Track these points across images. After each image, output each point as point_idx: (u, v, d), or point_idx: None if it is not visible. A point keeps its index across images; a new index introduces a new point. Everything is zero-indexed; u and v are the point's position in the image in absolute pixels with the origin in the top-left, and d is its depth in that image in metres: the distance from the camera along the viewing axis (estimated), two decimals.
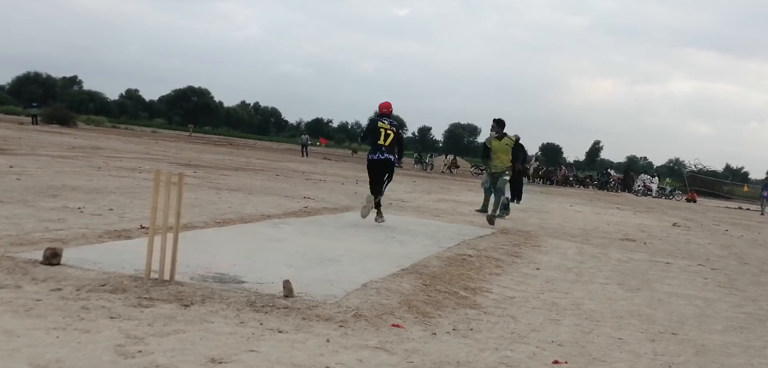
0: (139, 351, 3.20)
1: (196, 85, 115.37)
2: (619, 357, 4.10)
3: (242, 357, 3.28)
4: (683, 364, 4.14)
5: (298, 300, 4.35)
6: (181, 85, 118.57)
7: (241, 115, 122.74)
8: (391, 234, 8.40)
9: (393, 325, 4.12)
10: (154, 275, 4.47)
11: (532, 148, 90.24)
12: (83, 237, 5.95)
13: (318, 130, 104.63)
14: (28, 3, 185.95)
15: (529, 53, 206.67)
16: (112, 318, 3.68)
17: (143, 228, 6.63)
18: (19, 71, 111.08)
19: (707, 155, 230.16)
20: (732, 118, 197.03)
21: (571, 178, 47.63)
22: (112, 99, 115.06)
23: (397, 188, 14.60)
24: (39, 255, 4.71)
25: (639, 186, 45.71)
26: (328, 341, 3.67)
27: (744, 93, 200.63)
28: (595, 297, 5.90)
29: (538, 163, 50.90)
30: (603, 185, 46.85)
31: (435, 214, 12.07)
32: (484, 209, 13.16)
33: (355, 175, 24.95)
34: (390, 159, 9.20)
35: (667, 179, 60.26)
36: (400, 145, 9.41)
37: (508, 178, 11.67)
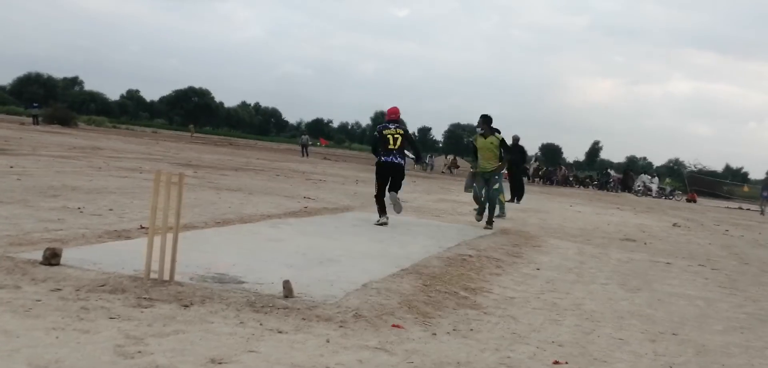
0: (139, 352, 3.19)
1: (196, 86, 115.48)
2: (619, 358, 4.09)
3: (242, 357, 3.28)
4: (684, 364, 4.14)
5: (298, 300, 4.34)
6: (182, 85, 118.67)
7: (241, 115, 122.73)
8: (391, 234, 8.39)
9: (393, 326, 4.12)
10: (153, 275, 4.46)
11: (532, 149, 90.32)
12: (83, 237, 5.94)
13: (318, 130, 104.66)
14: (29, 3, 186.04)
15: (529, 54, 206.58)
16: (111, 318, 3.68)
17: (143, 228, 6.62)
18: (21, 72, 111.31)
19: (707, 155, 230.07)
20: (732, 118, 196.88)
21: (571, 178, 47.63)
22: (112, 99, 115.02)
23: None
24: (39, 255, 4.71)
25: (639, 186, 45.71)
26: (328, 341, 3.67)
27: (743, 93, 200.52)
28: (595, 298, 5.90)
29: (537, 163, 50.95)
30: (603, 185, 46.85)
31: (435, 215, 12.07)
32: (480, 215, 13.12)
33: (355, 175, 24.95)
34: (399, 163, 9.58)
35: (667, 179, 60.31)
36: (413, 145, 10.21)
37: (498, 181, 10.53)
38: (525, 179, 25.79)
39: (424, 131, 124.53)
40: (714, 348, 4.58)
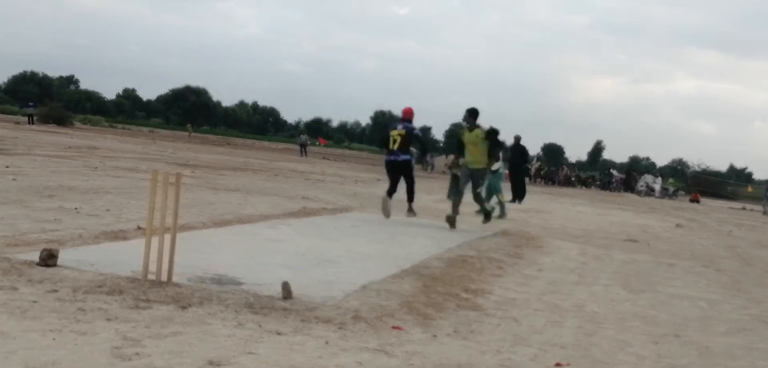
0: (136, 354, 3.16)
1: (194, 85, 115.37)
2: (622, 360, 4.06)
3: (240, 359, 3.24)
4: (687, 367, 4.10)
5: (297, 301, 4.31)
6: (179, 84, 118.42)
7: (239, 114, 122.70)
8: (392, 234, 8.36)
9: (393, 327, 4.08)
10: (151, 276, 4.43)
11: (533, 148, 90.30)
12: (80, 238, 5.90)
13: (317, 129, 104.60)
14: (24, 2, 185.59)
15: (531, 52, 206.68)
16: (108, 319, 3.64)
17: (140, 229, 6.58)
18: (16, 70, 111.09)
19: (711, 155, 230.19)
20: (735, 117, 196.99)
21: (573, 178, 47.63)
22: (109, 98, 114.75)
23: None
24: (35, 256, 4.67)
25: (642, 186, 45.70)
26: (327, 343, 3.63)
27: (747, 92, 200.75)
28: (597, 299, 5.86)
29: (539, 163, 50.95)
30: (605, 185, 46.84)
31: (436, 215, 12.02)
32: (484, 213, 13.08)
33: (354, 175, 24.94)
34: (400, 159, 10.11)
35: (670, 179, 60.33)
36: (418, 141, 10.57)
37: (482, 184, 9.99)
38: (526, 179, 25.78)
39: (425, 130, 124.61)
40: (717, 350, 4.54)
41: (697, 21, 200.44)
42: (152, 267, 4.43)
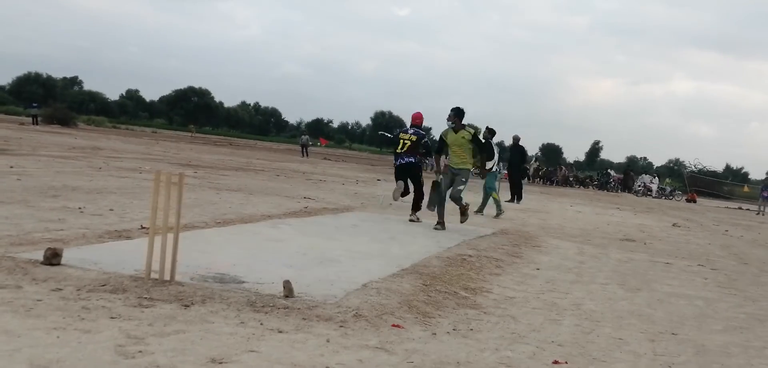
0: (140, 352, 3.20)
1: (196, 86, 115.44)
2: (619, 358, 4.10)
3: (242, 357, 3.29)
4: (683, 364, 4.14)
5: (299, 300, 4.35)
6: (182, 85, 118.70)
7: (241, 115, 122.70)
8: (392, 234, 8.40)
9: (393, 325, 4.12)
10: (154, 275, 4.47)
11: (532, 149, 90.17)
12: (83, 237, 5.95)
13: (318, 130, 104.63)
14: (28, 4, 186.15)
15: (530, 53, 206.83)
16: (112, 318, 3.68)
17: (143, 228, 6.63)
18: (20, 71, 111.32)
19: (708, 155, 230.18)
20: (733, 118, 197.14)
21: (571, 178, 47.61)
22: (112, 99, 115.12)
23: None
24: (39, 255, 4.71)
25: (639, 186, 45.70)
26: (328, 341, 3.67)
27: (745, 93, 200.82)
28: (595, 298, 5.90)
29: (538, 163, 50.92)
30: (603, 185, 46.83)
31: (435, 215, 12.05)
32: (481, 211, 13.18)
33: (355, 175, 24.96)
34: (405, 162, 10.38)
35: (667, 179, 60.26)
36: (426, 149, 10.64)
37: (465, 183, 9.62)
38: (525, 179, 25.79)
39: (425, 131, 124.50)
40: (713, 348, 4.59)
41: (697, 22, 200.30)
42: (155, 266, 4.47)
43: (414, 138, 10.35)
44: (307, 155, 44.65)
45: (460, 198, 9.59)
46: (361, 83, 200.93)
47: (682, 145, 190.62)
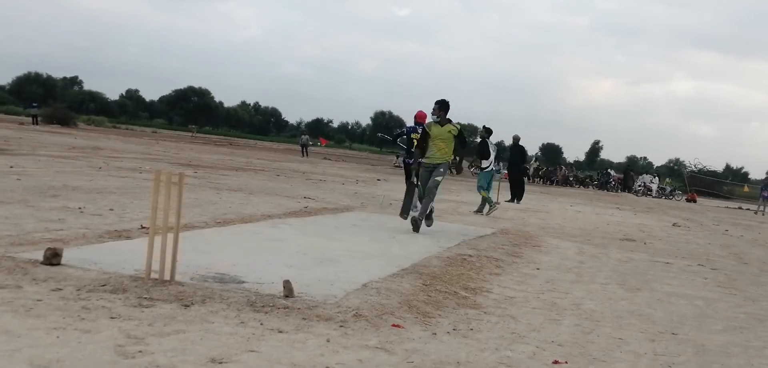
0: (140, 352, 3.20)
1: (196, 85, 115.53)
2: (619, 357, 4.10)
3: (242, 357, 3.29)
4: (683, 364, 4.14)
5: (299, 300, 4.35)
6: (182, 85, 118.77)
7: (241, 115, 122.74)
8: (392, 234, 8.40)
9: (393, 325, 4.12)
10: (154, 275, 4.47)
11: (532, 148, 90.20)
12: (83, 237, 5.95)
13: (318, 130, 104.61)
14: (28, 3, 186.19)
15: (530, 53, 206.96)
16: (112, 318, 3.69)
17: (143, 228, 6.63)
18: (20, 71, 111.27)
19: (708, 155, 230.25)
20: (733, 117, 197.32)
21: (571, 178, 47.62)
22: (112, 99, 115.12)
23: (397, 188, 14.61)
24: (39, 255, 4.71)
25: (639, 186, 45.71)
26: (328, 341, 3.67)
27: (744, 93, 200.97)
28: (595, 297, 5.91)
29: (538, 163, 50.92)
30: (603, 185, 46.84)
31: (435, 214, 12.06)
32: (480, 211, 13.19)
33: (355, 175, 24.96)
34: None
35: (667, 179, 60.25)
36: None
37: (443, 174, 9.17)
38: (525, 179, 25.79)
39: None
40: (713, 348, 4.59)
41: (697, 22, 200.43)
42: (155, 265, 4.47)
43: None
44: (307, 155, 44.65)
45: (433, 196, 9.12)
46: (361, 83, 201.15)
47: (682, 145, 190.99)
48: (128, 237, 6.17)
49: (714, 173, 67.59)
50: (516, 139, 18.63)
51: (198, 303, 4.11)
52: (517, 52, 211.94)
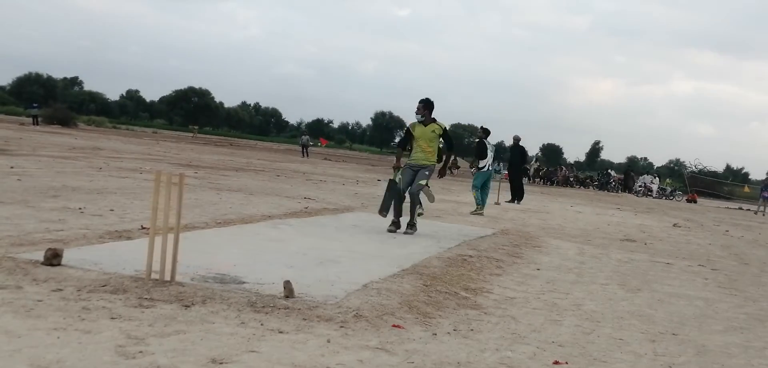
0: (140, 352, 3.20)
1: (196, 86, 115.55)
2: (619, 358, 4.10)
3: (243, 357, 3.29)
4: (684, 365, 4.14)
5: (299, 300, 4.35)
6: (182, 85, 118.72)
7: (241, 115, 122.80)
8: (392, 235, 8.40)
9: (393, 326, 4.12)
10: (154, 276, 4.47)
11: (532, 149, 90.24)
12: (84, 237, 5.95)
13: (319, 130, 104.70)
14: (28, 3, 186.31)
15: (530, 54, 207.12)
16: (112, 318, 3.69)
17: (144, 228, 6.63)
18: (20, 72, 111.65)
19: (708, 155, 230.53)
20: (733, 118, 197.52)
21: (571, 179, 47.62)
22: (112, 99, 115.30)
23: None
24: (40, 255, 4.71)
25: (639, 186, 45.69)
26: (328, 341, 3.67)
27: (744, 93, 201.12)
28: (595, 298, 5.90)
29: (538, 164, 50.93)
30: (603, 186, 46.84)
31: (435, 215, 12.07)
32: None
33: (355, 175, 24.96)
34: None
35: (668, 180, 60.22)
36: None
37: (428, 176, 8.77)
38: (525, 180, 25.77)
39: None
40: (714, 349, 4.59)
41: (697, 23, 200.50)
42: (156, 266, 4.47)
43: None
44: (308, 155, 44.66)
45: (419, 195, 8.71)
46: (362, 83, 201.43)
47: (682, 145, 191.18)
48: (129, 238, 6.17)
49: (714, 174, 67.63)
50: (516, 139, 18.64)
51: (198, 303, 4.11)
52: (517, 52, 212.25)
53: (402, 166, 8.93)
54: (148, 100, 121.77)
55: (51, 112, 50.42)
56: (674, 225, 16.47)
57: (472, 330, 4.34)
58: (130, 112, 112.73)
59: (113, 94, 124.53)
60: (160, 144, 36.67)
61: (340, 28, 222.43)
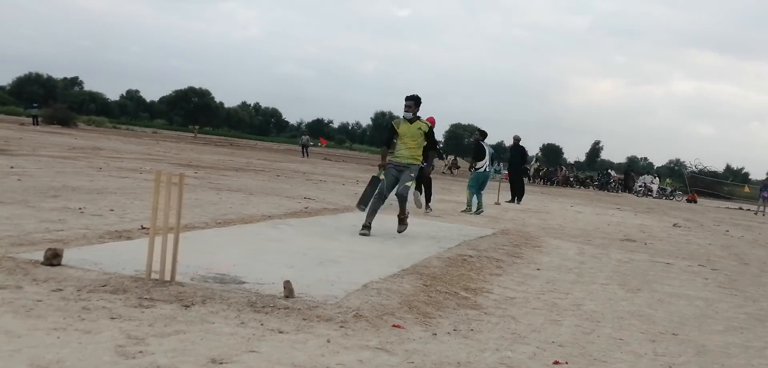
0: (140, 352, 3.20)
1: (196, 86, 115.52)
2: (619, 358, 4.10)
3: (243, 357, 3.29)
4: (684, 365, 4.14)
5: (299, 300, 4.35)
6: (182, 85, 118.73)
7: (241, 115, 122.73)
8: (392, 234, 8.39)
9: (393, 326, 4.12)
10: (154, 276, 4.47)
11: (532, 149, 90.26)
12: (84, 237, 5.95)
13: (318, 130, 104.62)
14: (28, 3, 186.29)
15: (530, 54, 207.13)
16: (112, 318, 3.69)
17: (144, 228, 6.63)
18: (20, 72, 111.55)
19: (708, 156, 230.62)
20: (733, 118, 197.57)
21: (571, 179, 47.63)
22: (112, 99, 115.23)
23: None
24: (40, 255, 4.71)
25: (639, 186, 45.70)
26: (328, 341, 3.67)
27: (744, 93, 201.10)
28: (595, 298, 5.90)
29: (538, 164, 50.94)
30: (603, 186, 46.85)
31: (435, 215, 12.07)
32: (479, 211, 13.22)
33: (355, 175, 24.95)
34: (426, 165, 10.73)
35: (668, 180, 60.22)
36: (435, 151, 11.07)
37: (413, 177, 8.56)
38: (525, 179, 25.77)
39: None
40: (714, 349, 4.59)
41: (697, 23, 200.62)
42: (156, 266, 4.47)
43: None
44: (308, 155, 44.66)
45: (406, 198, 8.42)
46: (362, 83, 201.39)
47: (682, 145, 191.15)
48: (129, 238, 6.17)
49: (714, 174, 67.64)
50: (516, 139, 18.64)
51: (198, 303, 4.11)
52: (517, 53, 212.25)
53: (387, 163, 8.61)
54: (148, 100, 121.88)
55: (51, 112, 50.38)
56: (674, 225, 16.47)
57: (472, 330, 4.34)
58: (130, 112, 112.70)
59: (113, 94, 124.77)
60: (160, 144, 36.67)
61: (340, 28, 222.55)
